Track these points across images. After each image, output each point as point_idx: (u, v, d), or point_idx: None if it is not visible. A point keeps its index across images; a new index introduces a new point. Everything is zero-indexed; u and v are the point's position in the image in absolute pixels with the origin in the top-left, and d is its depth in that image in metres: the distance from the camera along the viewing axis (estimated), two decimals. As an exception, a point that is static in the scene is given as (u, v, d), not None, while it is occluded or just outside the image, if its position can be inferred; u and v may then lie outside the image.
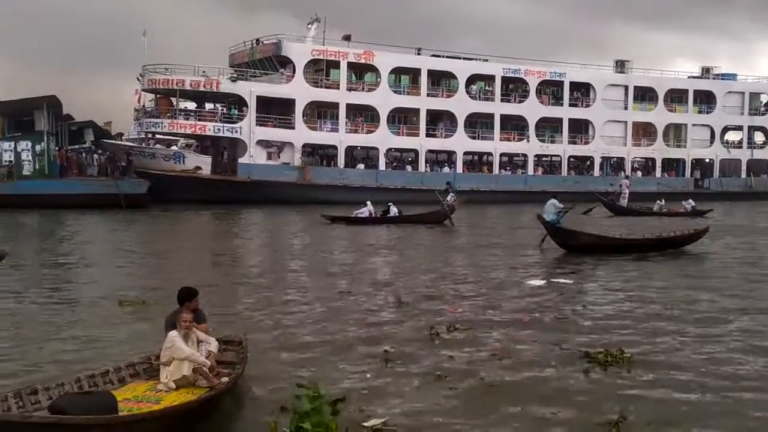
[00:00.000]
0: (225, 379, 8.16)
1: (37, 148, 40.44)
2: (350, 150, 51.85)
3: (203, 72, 49.35)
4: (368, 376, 9.67)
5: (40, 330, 11.96)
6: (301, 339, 11.56)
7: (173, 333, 8.19)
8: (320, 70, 50.99)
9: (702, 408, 8.64)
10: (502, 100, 56.25)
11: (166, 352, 8.11)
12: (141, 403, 7.42)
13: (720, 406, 8.68)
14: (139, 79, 49.03)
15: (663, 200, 41.63)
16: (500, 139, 56.16)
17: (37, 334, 11.67)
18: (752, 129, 64.57)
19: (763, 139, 64.74)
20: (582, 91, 59.65)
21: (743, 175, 61.90)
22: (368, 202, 34.24)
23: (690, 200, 41.63)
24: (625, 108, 60.34)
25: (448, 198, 34.29)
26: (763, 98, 65.04)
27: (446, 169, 54.70)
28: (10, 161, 40.27)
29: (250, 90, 48.17)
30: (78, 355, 10.03)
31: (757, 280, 18.32)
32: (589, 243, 23.55)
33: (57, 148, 41.79)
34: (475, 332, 12.12)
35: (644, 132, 61.28)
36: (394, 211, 33.89)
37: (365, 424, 7.73)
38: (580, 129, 59.49)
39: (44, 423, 6.33)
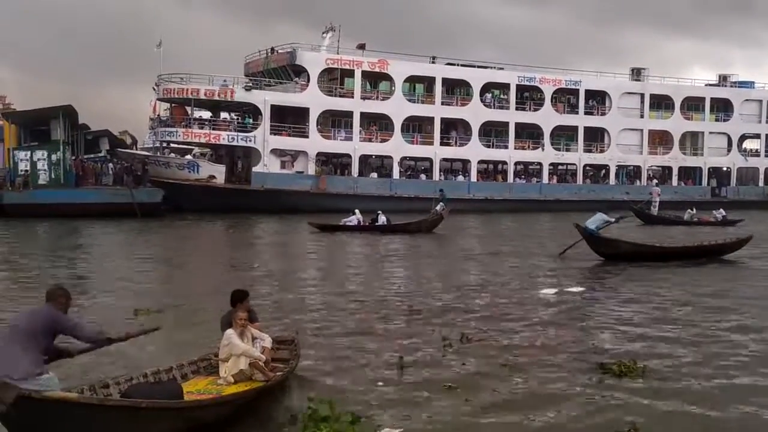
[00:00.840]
0: (279, 373, 8.88)
1: (53, 157, 40.75)
2: (364, 159, 52.03)
3: (224, 81, 49.61)
4: (380, 384, 9.69)
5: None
6: (313, 347, 11.52)
7: (230, 331, 8.79)
8: (334, 78, 51.20)
9: (713, 422, 8.60)
10: (516, 109, 56.42)
11: (224, 349, 8.75)
12: (203, 396, 8.09)
13: (733, 422, 8.63)
14: (154, 89, 49.56)
15: (694, 209, 41.60)
16: (515, 148, 56.29)
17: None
18: (771, 137, 64.31)
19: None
20: (597, 99, 59.80)
21: (761, 183, 61.71)
22: (356, 211, 34.40)
23: (721, 210, 41.53)
24: (641, 116, 60.40)
25: (438, 207, 34.40)
26: (781, 106, 64.78)
27: (460, 178, 54.91)
28: (26, 170, 40.52)
29: (265, 99, 48.43)
30: (97, 359, 9.78)
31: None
32: (627, 251, 23.82)
33: (73, 158, 42.21)
34: (488, 342, 12.12)
35: (660, 140, 61.34)
36: (382, 219, 33.94)
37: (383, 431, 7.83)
38: (595, 137, 59.44)
39: (122, 406, 6.89)
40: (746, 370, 10.73)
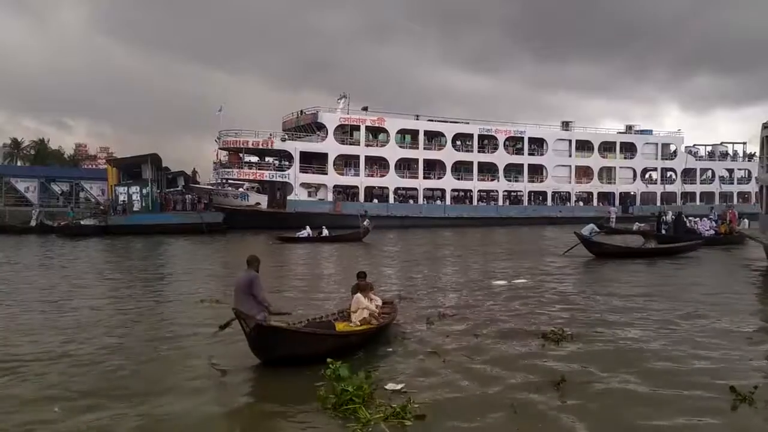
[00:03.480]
0: (385, 321, 10.70)
1: (144, 191, 41.25)
2: (369, 189, 52.22)
3: (270, 134, 50.29)
4: (389, 349, 9.95)
5: (154, 319, 12.55)
6: None
7: (359, 295, 10.58)
8: (346, 132, 51.61)
9: (621, 367, 8.78)
10: (479, 151, 56.66)
11: (354, 305, 10.51)
12: (345, 330, 9.98)
13: (634, 365, 8.90)
14: (216, 141, 50.03)
15: (639, 223, 40.36)
16: (478, 180, 56.47)
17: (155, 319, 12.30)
18: (664, 170, 64.40)
19: (672, 176, 64.89)
20: (538, 144, 59.93)
21: (658, 203, 62.21)
22: (307, 226, 34.25)
23: (637, 223, 40.74)
24: (570, 155, 60.53)
25: (365, 223, 34.27)
26: (672, 147, 64.93)
27: (438, 202, 55.06)
28: (125, 201, 41.06)
29: (295, 147, 48.99)
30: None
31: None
32: (611, 251, 24.78)
33: (158, 191, 42.57)
34: (459, 319, 12.19)
35: (584, 173, 61.34)
36: (325, 232, 33.78)
37: (386, 387, 7.86)
38: (536, 171, 59.62)
39: (307, 332, 9.20)
40: (654, 336, 10.79)
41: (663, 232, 29.28)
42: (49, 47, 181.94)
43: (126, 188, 41.46)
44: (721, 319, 12.23)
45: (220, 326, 9.57)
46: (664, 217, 31.19)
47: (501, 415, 7.06)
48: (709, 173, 66.67)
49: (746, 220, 32.12)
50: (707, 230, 29.93)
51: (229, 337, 9.93)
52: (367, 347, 9.78)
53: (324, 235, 33.85)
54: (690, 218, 31.27)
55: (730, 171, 67.33)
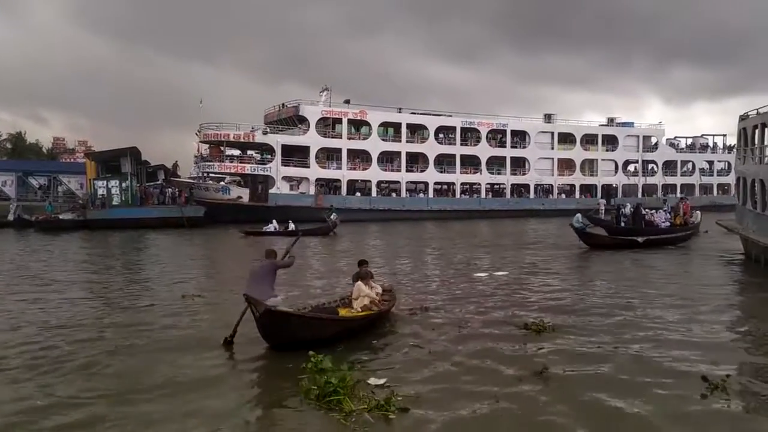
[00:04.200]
0: (385, 307, 11.30)
1: (123, 185, 41.15)
2: (351, 182, 52.26)
3: (252, 128, 50.31)
4: (374, 341, 10.02)
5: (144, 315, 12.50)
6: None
7: (359, 282, 11.21)
8: (328, 125, 51.69)
9: (600, 357, 9.04)
10: (461, 144, 56.79)
11: (355, 292, 11.14)
12: (348, 315, 10.65)
13: (612, 354, 9.16)
14: (197, 134, 49.83)
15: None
16: (460, 173, 56.63)
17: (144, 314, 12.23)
18: (645, 162, 64.97)
19: (653, 168, 65.54)
20: (520, 137, 60.19)
21: (639, 195, 62.79)
22: (273, 221, 34.22)
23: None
24: (552, 148, 60.82)
25: (332, 216, 34.54)
26: (653, 140, 65.50)
27: (421, 195, 55.24)
28: (103, 195, 40.91)
29: (277, 140, 48.93)
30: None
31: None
32: (603, 242, 25.26)
33: (138, 185, 42.43)
34: (442, 311, 12.34)
35: (566, 166, 61.64)
36: (292, 226, 33.57)
37: (369, 381, 7.89)
38: (519, 164, 59.86)
39: (312, 316, 9.82)
40: (632, 326, 10.98)
41: (622, 224, 29.65)
42: (23, 39, 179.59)
43: (105, 182, 41.28)
44: (699, 309, 12.51)
45: (226, 339, 9.83)
46: (622, 210, 31.49)
47: (484, 405, 7.20)
48: (690, 165, 67.32)
49: (698, 212, 32.93)
50: (663, 222, 30.46)
51: (208, 328, 10.03)
52: (349, 340, 9.83)
53: (291, 229, 33.59)
54: (648, 211, 31.67)
55: (710, 163, 68.07)
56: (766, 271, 18.29)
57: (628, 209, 31.38)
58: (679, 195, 63.19)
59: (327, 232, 33.65)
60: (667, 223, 30.35)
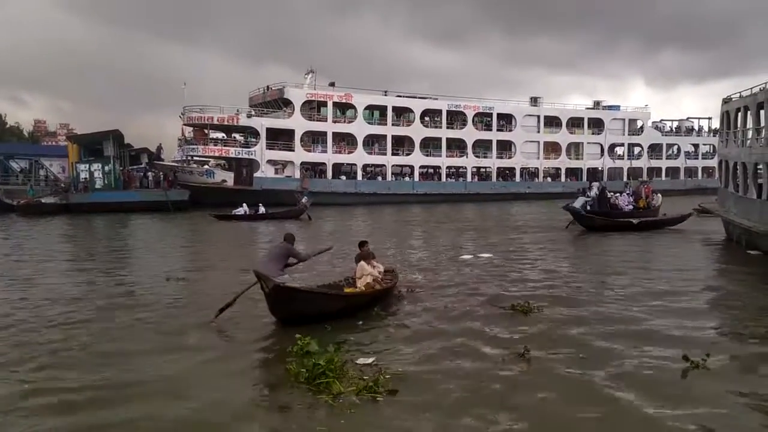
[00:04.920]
0: (387, 285, 11.76)
1: (106, 168, 40.95)
2: (336, 166, 52.20)
3: (238, 110, 50.12)
4: (360, 322, 10.05)
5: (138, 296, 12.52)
6: None
7: (362, 262, 11.78)
8: (313, 108, 51.44)
9: (583, 336, 9.29)
10: (447, 128, 56.80)
11: (359, 272, 11.68)
12: (353, 293, 11.20)
13: (596, 335, 9.36)
14: (180, 117, 49.45)
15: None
16: (446, 156, 56.67)
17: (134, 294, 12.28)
18: (631, 145, 65.31)
19: (639, 151, 65.89)
20: (506, 120, 60.24)
21: (624, 178, 63.13)
22: (244, 204, 34.25)
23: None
24: (538, 131, 60.95)
25: (303, 200, 34.49)
26: (639, 123, 65.74)
27: (407, 179, 55.28)
28: (86, 178, 40.71)
29: (261, 123, 48.73)
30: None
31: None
32: (601, 224, 25.56)
33: (120, 168, 42.18)
34: (430, 292, 12.55)
35: (552, 149, 61.82)
36: (261, 210, 33.76)
37: (358, 361, 8.00)
38: (505, 147, 59.92)
39: (319, 292, 10.50)
40: (615, 307, 11.24)
41: (588, 207, 29.87)
42: (0, 20, 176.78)
43: (87, 165, 41.02)
44: (681, 290, 12.82)
45: (221, 309, 10.30)
46: (588, 193, 31.72)
47: (469, 383, 7.36)
48: (675, 148, 67.80)
49: (659, 195, 33.71)
50: (627, 205, 30.85)
51: (192, 312, 10.11)
52: (337, 321, 9.89)
53: (261, 212, 33.78)
54: (612, 194, 32.01)
55: (696, 146, 68.56)
56: (746, 253, 18.59)
57: (594, 192, 31.62)
58: (664, 178, 64.30)
59: (297, 216, 33.57)
60: (631, 206, 30.74)
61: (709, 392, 7.16)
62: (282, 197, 39.51)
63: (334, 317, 9.81)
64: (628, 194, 32.81)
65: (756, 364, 8.29)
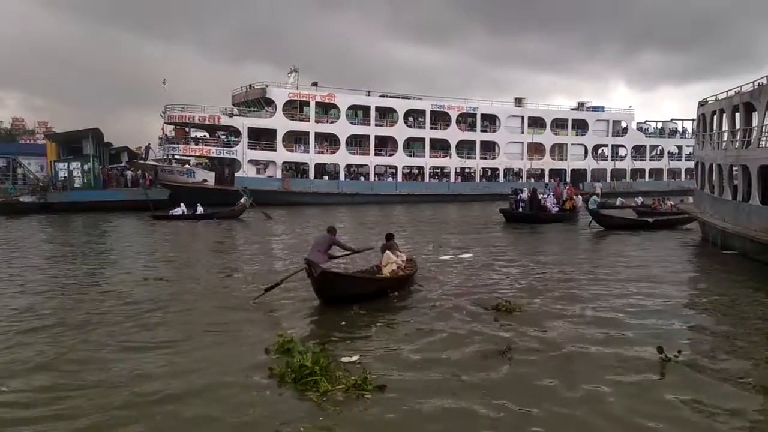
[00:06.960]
0: (410, 272, 13.55)
1: (85, 167, 40.91)
2: (319, 166, 52.40)
3: (224, 109, 50.40)
4: (343, 323, 10.24)
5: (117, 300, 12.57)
6: (285, 300, 11.93)
7: (388, 252, 13.64)
8: (295, 107, 51.55)
9: (565, 334, 9.55)
10: (431, 128, 57.23)
11: (385, 260, 13.43)
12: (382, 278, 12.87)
13: (576, 331, 9.69)
14: (161, 115, 49.38)
15: (621, 199, 44.78)
16: (430, 156, 57.12)
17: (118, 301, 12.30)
18: (615, 147, 65.89)
19: (623, 153, 66.63)
20: (490, 120, 60.74)
21: (608, 180, 63.91)
22: (182, 204, 34.37)
23: (620, 198, 45.71)
24: (522, 132, 61.41)
25: (242, 200, 34.72)
26: (623, 124, 66.45)
27: (390, 179, 55.55)
28: (65, 177, 40.63)
29: (243, 123, 48.85)
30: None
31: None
32: (617, 223, 26.85)
33: (100, 167, 42.14)
34: (412, 293, 12.81)
35: (536, 150, 62.24)
36: (200, 210, 33.94)
37: (343, 359, 8.15)
38: (489, 148, 60.42)
39: (359, 277, 12.43)
40: (596, 305, 11.62)
41: (520, 209, 30.63)
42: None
43: (66, 164, 40.98)
44: (658, 289, 13.29)
45: (266, 289, 11.95)
46: (520, 195, 32.17)
47: (453, 381, 7.62)
48: (659, 150, 68.65)
49: (580, 197, 34.73)
50: (553, 206, 31.45)
51: (173, 312, 10.35)
52: (326, 320, 10.36)
53: (199, 212, 33.88)
54: (542, 196, 32.49)
55: (679, 148, 69.24)
56: (721, 253, 19.13)
57: (525, 194, 32.07)
58: (647, 179, 65.19)
59: (235, 216, 33.82)
60: (557, 207, 31.33)
61: (679, 386, 7.52)
62: (264, 197, 39.67)
63: (370, 297, 11.53)
64: (548, 195, 33.12)
65: (722, 362, 8.58)
